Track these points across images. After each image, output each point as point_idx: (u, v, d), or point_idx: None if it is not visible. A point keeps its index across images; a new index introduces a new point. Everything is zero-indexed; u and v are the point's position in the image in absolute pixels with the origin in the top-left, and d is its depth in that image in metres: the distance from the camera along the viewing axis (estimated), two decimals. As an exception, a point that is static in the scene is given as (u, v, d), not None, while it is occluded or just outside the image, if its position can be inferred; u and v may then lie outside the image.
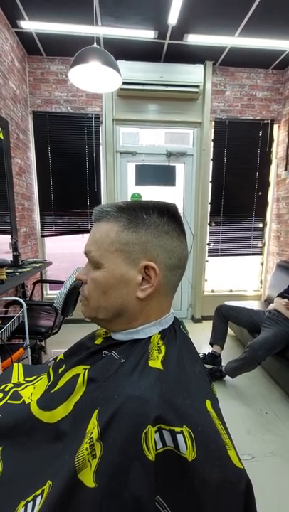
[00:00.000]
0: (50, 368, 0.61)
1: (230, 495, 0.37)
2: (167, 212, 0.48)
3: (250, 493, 0.39)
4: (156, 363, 0.44)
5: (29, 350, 1.69)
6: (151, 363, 0.44)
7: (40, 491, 0.38)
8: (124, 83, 2.50)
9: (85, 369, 0.50)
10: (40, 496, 0.38)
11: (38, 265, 2.21)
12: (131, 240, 0.47)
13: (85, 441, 0.37)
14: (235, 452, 0.41)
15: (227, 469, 0.38)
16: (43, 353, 2.08)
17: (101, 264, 0.48)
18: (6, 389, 0.62)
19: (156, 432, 0.36)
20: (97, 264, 0.49)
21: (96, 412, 0.40)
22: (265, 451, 1.43)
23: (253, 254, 3.23)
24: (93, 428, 0.38)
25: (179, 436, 0.37)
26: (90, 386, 0.46)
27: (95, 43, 1.72)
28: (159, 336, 0.50)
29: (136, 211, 0.47)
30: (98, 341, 0.56)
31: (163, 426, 0.37)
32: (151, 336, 0.49)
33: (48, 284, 3.13)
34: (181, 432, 0.37)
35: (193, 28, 2.26)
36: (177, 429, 0.37)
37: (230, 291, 3.31)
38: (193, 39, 2.36)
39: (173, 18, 2.08)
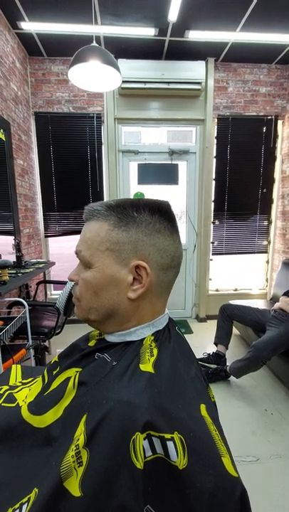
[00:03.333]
0: (45, 370, 0.60)
1: (225, 504, 0.36)
2: (158, 210, 0.47)
3: (246, 503, 0.37)
4: (147, 366, 0.42)
5: (32, 350, 1.70)
6: (142, 366, 0.42)
7: (26, 499, 0.37)
8: (125, 82, 2.49)
9: (77, 372, 0.49)
10: (26, 504, 0.37)
11: (41, 266, 2.21)
12: (121, 239, 0.45)
13: (71, 449, 0.36)
14: (229, 459, 0.39)
15: (221, 477, 0.36)
16: (46, 353, 2.09)
17: (91, 264, 0.47)
18: (1, 391, 0.61)
19: (144, 438, 0.35)
20: (88, 264, 0.48)
21: (84, 417, 0.39)
22: (270, 452, 1.40)
23: (258, 253, 3.18)
24: (80, 434, 0.37)
25: (170, 444, 0.35)
26: (80, 390, 0.45)
27: (95, 42, 1.71)
28: (152, 337, 0.48)
29: (126, 209, 0.46)
30: (92, 343, 0.55)
31: (152, 432, 0.35)
32: (144, 338, 0.48)
33: (51, 285, 3.14)
34: (172, 439, 0.35)
35: (194, 24, 2.23)
36: (167, 436, 0.35)
37: (235, 290, 3.27)
38: (195, 35, 2.33)
39: (173, 15, 2.06)
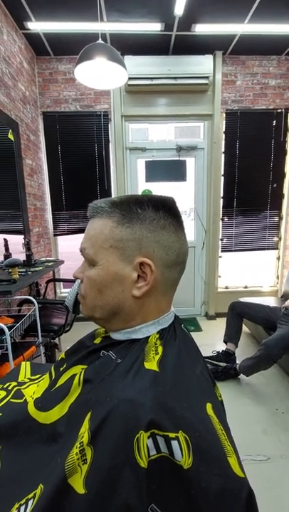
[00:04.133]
0: (52, 367, 0.60)
1: (231, 505, 0.35)
2: (163, 206, 0.46)
3: (253, 504, 0.36)
4: (152, 364, 0.42)
5: (42, 347, 1.72)
6: (147, 365, 0.42)
7: (32, 494, 0.38)
8: (132, 78, 2.48)
9: (83, 369, 0.49)
10: (32, 500, 0.37)
11: (50, 264, 2.24)
12: (125, 236, 0.45)
13: (75, 446, 0.36)
14: (236, 459, 0.38)
15: (227, 478, 0.36)
16: (56, 350, 2.12)
17: (96, 261, 0.47)
18: (10, 387, 0.62)
19: (148, 437, 0.34)
20: (92, 261, 0.47)
21: (89, 414, 0.39)
22: (281, 452, 1.38)
23: (268, 249, 3.13)
24: (84, 432, 0.37)
25: (174, 443, 0.35)
26: (85, 387, 0.45)
27: (100, 39, 1.70)
28: (158, 335, 0.48)
29: (130, 206, 0.45)
30: (97, 340, 0.55)
31: (157, 431, 0.35)
32: (149, 336, 0.48)
33: (61, 283, 3.17)
34: (177, 438, 0.35)
35: (201, 18, 2.19)
36: (172, 435, 0.35)
37: (245, 287, 3.22)
38: (201, 29, 2.29)
39: (179, 9, 2.03)
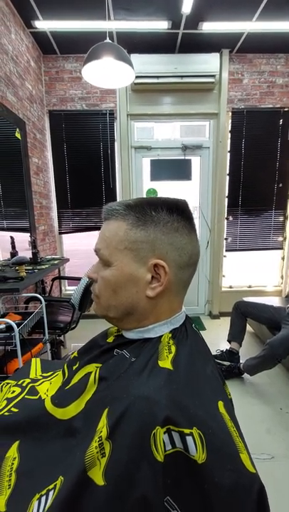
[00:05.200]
0: (65, 365, 0.62)
1: (243, 500, 0.36)
2: (176, 209, 0.47)
3: (264, 499, 0.38)
4: (166, 362, 0.43)
5: (48, 344, 1.74)
6: (161, 363, 0.43)
7: (53, 486, 0.40)
8: (138, 77, 2.47)
9: (97, 367, 0.51)
10: (52, 490, 0.39)
11: (56, 262, 2.26)
12: (139, 238, 0.46)
13: (94, 440, 0.38)
14: (247, 455, 0.40)
15: (239, 473, 0.37)
16: (62, 347, 2.14)
17: (110, 262, 0.48)
18: (24, 384, 0.64)
19: (164, 432, 0.36)
20: (107, 262, 0.49)
21: (106, 410, 0.40)
22: (285, 451, 1.39)
23: (273, 249, 3.12)
24: (102, 427, 0.38)
25: (189, 438, 0.36)
26: (101, 385, 0.47)
27: (108, 38, 1.70)
28: (170, 335, 0.49)
29: (144, 208, 0.47)
30: (110, 339, 0.57)
31: (172, 427, 0.36)
32: (161, 335, 0.49)
33: (66, 280, 3.20)
34: (191, 434, 0.36)
35: (209, 16, 2.18)
36: (186, 431, 0.36)
37: (249, 286, 3.22)
38: (209, 27, 2.28)
39: (187, 7, 2.02)
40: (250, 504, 0.36)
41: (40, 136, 2.62)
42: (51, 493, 0.39)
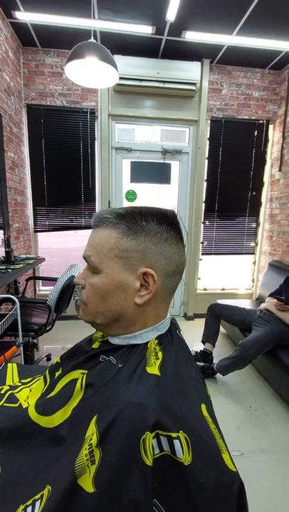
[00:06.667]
0: (47, 371, 0.61)
1: (225, 498, 0.39)
2: (166, 220, 0.49)
3: (243, 495, 0.40)
4: (153, 368, 0.44)
5: (22, 347, 1.68)
6: (149, 369, 0.44)
7: (39, 496, 0.39)
8: (121, 78, 2.47)
9: (83, 373, 0.50)
10: (39, 501, 0.38)
11: (31, 262, 2.19)
12: (130, 247, 0.47)
13: (84, 448, 0.38)
14: (228, 455, 0.42)
15: (222, 472, 0.39)
16: (35, 349, 2.08)
17: (100, 269, 0.48)
18: (2, 391, 0.61)
19: (153, 437, 0.37)
20: (96, 269, 0.49)
21: (95, 418, 0.40)
22: (254, 447, 1.47)
23: (245, 253, 3.27)
24: (92, 434, 0.38)
25: (176, 442, 0.37)
26: (87, 391, 0.47)
27: (92, 36, 1.69)
28: (156, 341, 0.50)
29: (135, 218, 0.48)
30: (95, 345, 0.57)
31: (160, 432, 0.37)
32: (148, 341, 0.50)
33: (40, 280, 3.10)
34: (178, 438, 0.38)
35: (192, 25, 2.24)
36: (174, 435, 0.38)
37: (223, 289, 3.35)
38: (191, 36, 2.34)
39: (171, 15, 2.06)
40: (230, 501, 0.39)
41: (17, 130, 2.52)
42: (38, 503, 0.38)
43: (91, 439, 0.38)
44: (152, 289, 0.47)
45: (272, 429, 1.59)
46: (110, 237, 0.48)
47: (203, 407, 0.46)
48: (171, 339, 0.52)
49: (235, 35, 2.33)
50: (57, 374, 0.57)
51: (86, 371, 0.51)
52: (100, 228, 0.49)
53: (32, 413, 0.50)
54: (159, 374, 0.43)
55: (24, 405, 0.55)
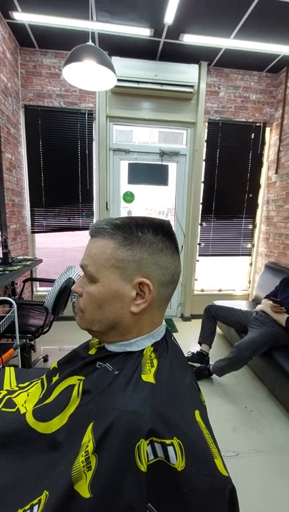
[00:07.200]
0: (44, 376, 0.62)
1: (217, 502, 0.40)
2: (161, 231, 0.50)
3: (235, 499, 0.42)
4: (148, 376, 0.45)
5: (19, 349, 1.69)
6: (144, 377, 0.45)
7: (37, 500, 0.40)
8: (118, 80, 2.46)
9: (80, 380, 0.51)
10: (37, 505, 0.39)
11: (28, 263, 2.19)
12: (126, 257, 0.48)
13: (80, 454, 0.39)
14: (221, 460, 0.43)
15: (214, 478, 0.40)
16: (32, 351, 2.08)
17: (97, 278, 0.49)
18: (0, 396, 0.62)
19: (148, 444, 0.38)
20: (93, 278, 0.50)
21: (91, 425, 0.41)
22: (249, 448, 1.49)
23: (242, 255, 3.29)
24: (88, 441, 0.39)
25: (170, 448, 0.39)
26: (84, 398, 0.48)
27: (90, 38, 1.69)
28: (152, 348, 0.51)
29: (131, 229, 0.49)
30: (92, 351, 0.58)
31: (155, 439, 0.39)
32: (144, 349, 0.51)
33: (37, 281, 3.10)
34: (172, 444, 0.39)
35: (189, 28, 2.25)
36: (168, 442, 0.39)
37: (220, 290, 3.37)
38: (189, 39, 2.35)
39: (169, 17, 2.07)
40: (222, 505, 0.40)
41: (15, 131, 2.52)
42: (35, 508, 0.39)
43: (87, 445, 0.39)
44: (148, 298, 0.49)
45: (267, 430, 1.61)
46: (107, 247, 0.49)
47: (197, 413, 0.47)
48: (166, 346, 0.53)
49: (232, 39, 2.34)
50: (54, 379, 0.58)
51: (83, 377, 0.52)
52: (97, 238, 0.50)
53: (30, 419, 0.51)
54: (154, 382, 0.45)
55: (22, 410, 0.56)
